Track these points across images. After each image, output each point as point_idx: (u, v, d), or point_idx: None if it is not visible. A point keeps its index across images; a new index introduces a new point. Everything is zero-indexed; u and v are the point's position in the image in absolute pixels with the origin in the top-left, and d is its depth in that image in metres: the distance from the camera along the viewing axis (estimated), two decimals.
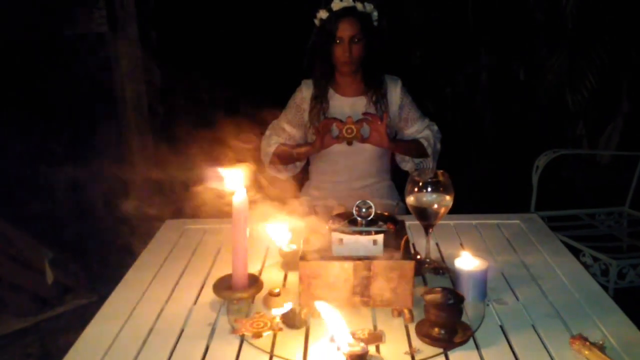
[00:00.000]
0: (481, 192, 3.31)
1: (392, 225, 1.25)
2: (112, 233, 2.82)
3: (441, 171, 1.36)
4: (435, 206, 1.34)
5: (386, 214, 1.29)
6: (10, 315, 2.40)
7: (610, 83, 3.32)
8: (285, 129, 2.10)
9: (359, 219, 1.23)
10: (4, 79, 2.59)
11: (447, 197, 1.34)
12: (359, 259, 1.18)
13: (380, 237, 1.20)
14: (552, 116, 3.54)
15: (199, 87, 3.20)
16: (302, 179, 2.22)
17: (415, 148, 2.06)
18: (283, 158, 2.07)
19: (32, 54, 2.63)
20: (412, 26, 3.58)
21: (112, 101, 2.58)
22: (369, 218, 1.23)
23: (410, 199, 1.36)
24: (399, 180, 2.14)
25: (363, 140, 1.88)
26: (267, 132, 2.11)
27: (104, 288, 1.33)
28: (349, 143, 1.89)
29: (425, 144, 2.06)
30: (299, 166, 2.16)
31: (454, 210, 1.39)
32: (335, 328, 0.98)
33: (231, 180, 1.21)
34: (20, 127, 2.66)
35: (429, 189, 1.35)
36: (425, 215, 1.36)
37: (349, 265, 1.18)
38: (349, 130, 1.86)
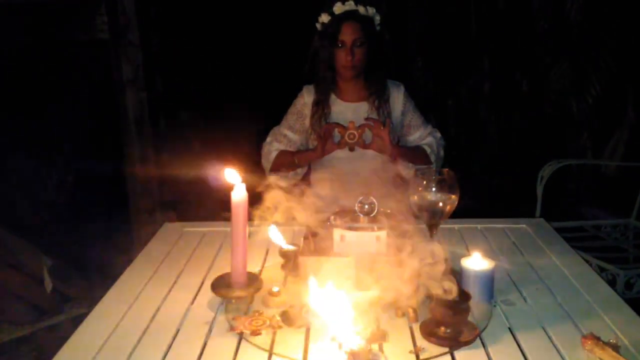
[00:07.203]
0: (485, 203, 3.27)
1: (395, 222, 1.22)
2: (112, 242, 2.80)
3: (446, 169, 1.32)
4: (441, 204, 1.31)
5: (389, 211, 1.26)
6: (7, 324, 2.35)
7: (615, 92, 3.30)
8: (287, 135, 2.07)
9: (361, 215, 1.20)
10: (3, 87, 2.58)
11: (452, 195, 1.31)
12: (362, 256, 1.15)
13: (383, 234, 1.17)
14: (556, 127, 3.51)
15: (200, 93, 3.19)
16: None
17: (418, 155, 2.03)
18: (284, 165, 2.03)
19: (33, 61, 2.63)
20: (414, 36, 3.58)
21: (113, 108, 2.57)
22: (372, 215, 1.20)
23: (415, 198, 1.32)
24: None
25: (365, 146, 1.85)
26: (268, 139, 2.09)
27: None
28: (351, 149, 1.86)
29: (428, 150, 2.03)
30: (301, 173, 2.12)
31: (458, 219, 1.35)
32: (336, 323, 0.94)
33: (230, 176, 1.18)
34: (20, 135, 2.65)
35: (434, 188, 1.32)
36: (430, 214, 1.32)
37: (350, 262, 1.14)
38: (351, 136, 1.83)
